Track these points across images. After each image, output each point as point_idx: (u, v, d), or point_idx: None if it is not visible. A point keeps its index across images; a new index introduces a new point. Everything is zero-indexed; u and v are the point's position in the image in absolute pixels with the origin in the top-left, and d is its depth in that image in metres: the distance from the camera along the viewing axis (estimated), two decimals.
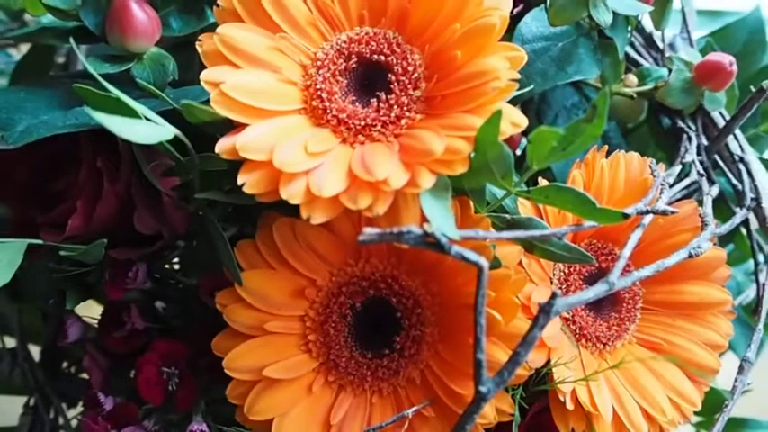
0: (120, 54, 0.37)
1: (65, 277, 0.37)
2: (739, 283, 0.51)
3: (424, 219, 0.31)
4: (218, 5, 0.34)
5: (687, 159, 0.41)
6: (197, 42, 0.34)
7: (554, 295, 0.29)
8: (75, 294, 0.38)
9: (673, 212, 0.35)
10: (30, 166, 0.37)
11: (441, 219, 0.31)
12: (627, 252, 0.35)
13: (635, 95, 0.43)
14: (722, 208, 0.45)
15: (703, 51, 0.48)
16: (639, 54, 0.46)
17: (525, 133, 0.44)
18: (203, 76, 0.33)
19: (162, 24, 0.39)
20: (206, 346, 0.35)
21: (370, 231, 0.30)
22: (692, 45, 0.46)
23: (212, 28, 0.35)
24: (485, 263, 0.29)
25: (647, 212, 0.35)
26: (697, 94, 0.42)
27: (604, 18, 0.38)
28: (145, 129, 0.31)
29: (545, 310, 0.29)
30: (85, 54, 0.47)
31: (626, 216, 0.32)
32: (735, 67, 0.41)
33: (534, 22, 0.40)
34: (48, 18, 0.39)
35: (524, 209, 0.37)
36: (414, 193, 0.31)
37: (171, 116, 0.33)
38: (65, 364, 0.48)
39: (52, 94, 0.38)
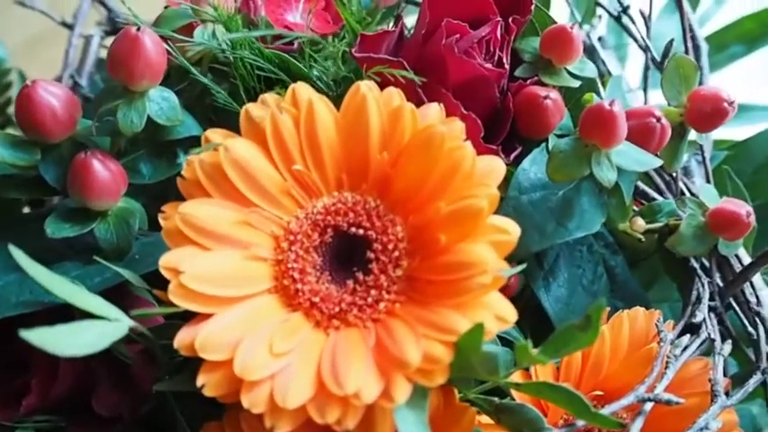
0: (83, 208, 0.35)
1: None
2: (754, 417, 0.48)
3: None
4: (182, 176, 0.31)
5: (698, 318, 0.37)
6: (159, 214, 0.31)
7: None
8: None
9: (677, 402, 0.32)
10: None
11: None
12: None
13: (643, 239, 0.39)
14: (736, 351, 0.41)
15: (718, 171, 0.45)
16: (648, 179, 0.42)
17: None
18: (161, 261, 0.30)
19: (130, 170, 0.36)
20: None
21: None
22: (708, 177, 0.42)
23: None
24: None
25: (649, 400, 0.32)
26: (711, 241, 0.39)
27: (608, 177, 0.35)
28: (94, 333, 0.28)
29: None
30: None
31: (622, 425, 0.29)
32: (752, 218, 0.37)
33: (533, 167, 0.37)
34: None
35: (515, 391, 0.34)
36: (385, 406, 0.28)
37: None
38: None
39: (8, 251, 0.35)
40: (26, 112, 0.33)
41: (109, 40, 0.53)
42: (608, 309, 0.37)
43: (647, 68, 0.44)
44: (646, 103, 0.44)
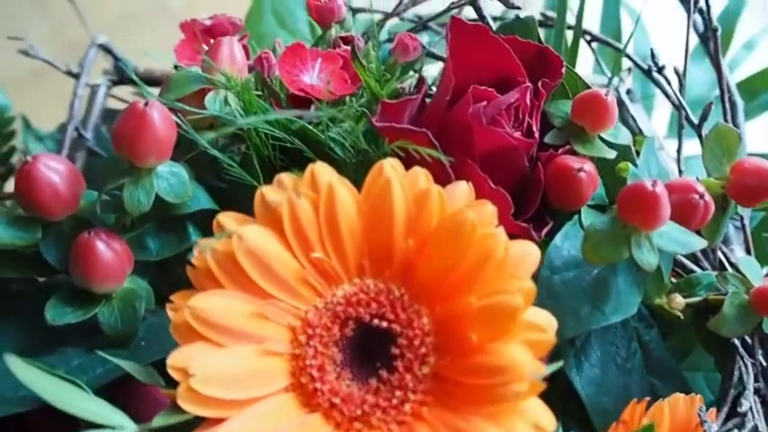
0: (86, 290, 0.32)
1: None
2: None
3: None
4: (191, 264, 0.29)
5: (744, 406, 0.35)
6: (167, 305, 0.29)
7: None
8: None
9: None
10: None
11: None
12: None
13: (681, 315, 0.37)
14: None
15: (757, 236, 0.43)
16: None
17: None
18: (170, 360, 0.27)
19: (136, 246, 0.34)
20: None
21: None
22: (748, 246, 0.40)
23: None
24: None
25: None
26: (754, 320, 0.36)
27: (649, 260, 0.32)
28: None
29: None
30: None
31: None
32: None
33: (566, 243, 0.35)
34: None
35: None
36: None
37: None
38: None
39: (8, 332, 0.33)
40: (26, 189, 0.31)
41: (116, 90, 0.51)
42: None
43: (681, 127, 0.41)
44: (680, 166, 0.42)
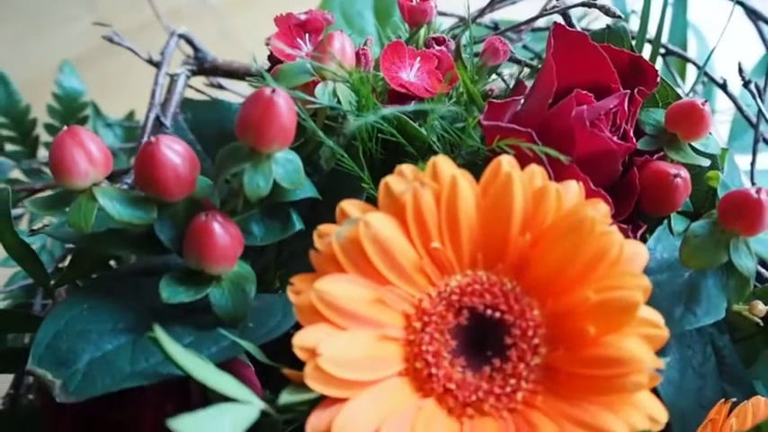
0: (197, 271, 0.33)
1: None
2: None
3: None
4: (315, 249, 0.30)
5: None
6: (289, 287, 0.30)
7: None
8: None
9: None
10: None
11: None
12: None
13: (761, 322, 0.38)
14: None
15: None
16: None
17: None
18: (297, 340, 0.28)
19: (242, 230, 0.34)
20: None
21: None
22: None
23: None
24: None
25: None
26: None
27: (747, 265, 0.33)
28: (227, 419, 0.26)
29: None
30: None
31: None
32: None
33: (659, 246, 0.36)
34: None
35: None
36: None
37: None
38: None
39: (118, 310, 0.34)
40: (148, 169, 0.32)
41: (194, 80, 0.52)
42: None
43: (756, 141, 0.43)
44: (753, 179, 0.43)
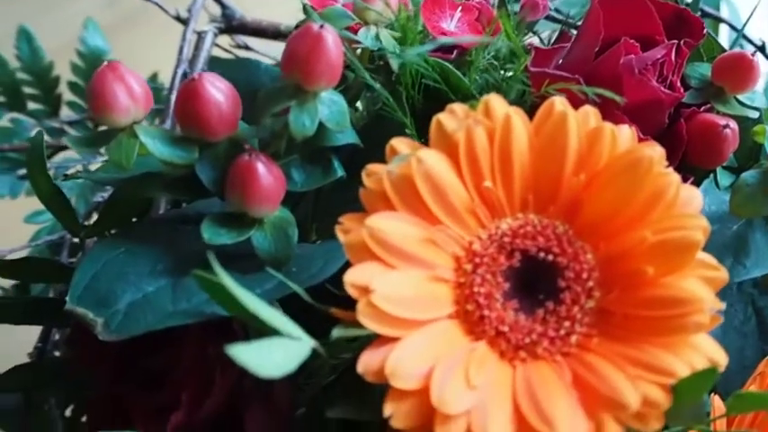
0: (238, 214, 0.32)
1: None
2: None
3: None
4: (364, 186, 0.29)
5: None
6: (337, 226, 0.29)
7: None
8: None
9: None
10: None
11: None
12: None
13: None
14: None
15: None
16: None
17: None
18: (348, 278, 0.27)
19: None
20: None
21: None
22: None
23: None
24: None
25: None
26: None
27: None
28: (280, 352, 0.26)
29: None
30: None
31: None
32: None
33: (706, 199, 0.35)
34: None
35: None
36: None
37: None
38: None
39: (156, 254, 0.33)
40: (191, 106, 0.31)
41: (222, 39, 0.51)
42: None
43: None
44: None
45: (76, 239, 0.47)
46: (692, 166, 0.36)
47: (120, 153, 0.31)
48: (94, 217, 0.45)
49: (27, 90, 0.55)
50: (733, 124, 0.35)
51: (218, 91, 0.31)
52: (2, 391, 0.40)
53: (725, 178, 0.36)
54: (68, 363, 0.38)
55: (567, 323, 0.29)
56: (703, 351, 0.27)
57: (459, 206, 0.29)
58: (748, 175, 0.34)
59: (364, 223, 0.28)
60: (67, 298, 0.31)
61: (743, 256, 0.34)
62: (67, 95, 0.57)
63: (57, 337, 0.44)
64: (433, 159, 0.29)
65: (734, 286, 0.40)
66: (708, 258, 0.28)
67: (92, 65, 0.55)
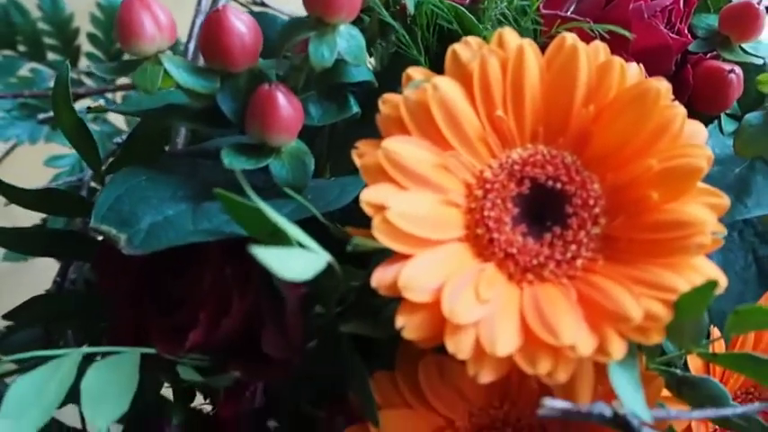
0: (257, 144, 0.33)
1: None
2: None
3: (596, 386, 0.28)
4: (379, 111, 0.30)
5: None
6: (353, 150, 0.30)
7: None
8: (180, 410, 0.34)
9: None
10: (144, 260, 0.34)
11: (631, 396, 0.27)
12: None
13: None
14: None
15: None
16: None
17: None
18: (364, 196, 0.29)
19: None
20: None
21: (551, 405, 0.26)
22: None
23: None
24: None
25: None
26: None
27: None
28: (299, 261, 0.27)
29: None
30: None
31: None
32: None
33: (710, 142, 0.36)
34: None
35: (693, 362, 0.33)
36: (599, 361, 0.27)
37: None
38: None
39: (177, 182, 0.34)
40: (215, 37, 0.32)
41: None
42: None
43: None
44: None
45: (94, 184, 0.48)
46: (697, 112, 0.37)
47: (146, 79, 0.32)
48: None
49: (47, 41, 0.56)
50: (738, 70, 0.36)
51: (241, 23, 0.32)
52: (21, 324, 0.41)
53: (729, 124, 0.37)
54: (88, 293, 0.39)
55: (573, 247, 0.30)
56: (704, 272, 0.28)
57: (471, 134, 0.31)
58: (752, 116, 0.35)
59: (380, 146, 0.29)
60: (92, 216, 0.32)
61: (744, 196, 0.35)
62: (86, 47, 0.58)
63: (74, 276, 0.45)
64: (447, 86, 0.30)
65: (735, 234, 0.41)
66: (710, 187, 0.29)
67: (111, 16, 0.56)
